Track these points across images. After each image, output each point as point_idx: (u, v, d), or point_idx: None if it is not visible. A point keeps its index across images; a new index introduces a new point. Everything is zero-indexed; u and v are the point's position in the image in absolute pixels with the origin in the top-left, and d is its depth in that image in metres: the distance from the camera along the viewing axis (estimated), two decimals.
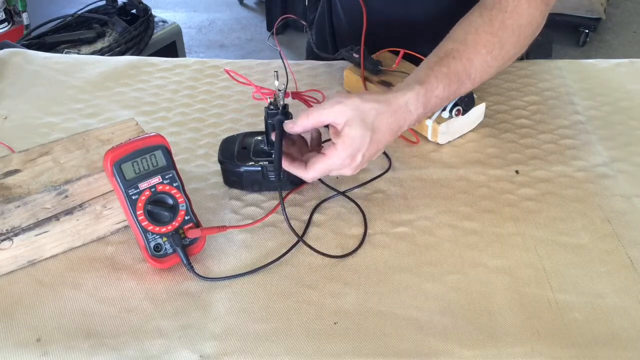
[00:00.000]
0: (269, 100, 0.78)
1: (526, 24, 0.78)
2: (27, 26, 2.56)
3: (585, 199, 0.80)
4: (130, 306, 0.67)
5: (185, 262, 0.69)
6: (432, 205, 0.79)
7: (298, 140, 0.78)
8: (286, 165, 0.74)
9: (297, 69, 1.06)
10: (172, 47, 2.29)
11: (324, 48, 1.14)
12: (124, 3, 2.26)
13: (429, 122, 0.87)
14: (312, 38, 1.19)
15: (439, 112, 0.87)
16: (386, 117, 0.72)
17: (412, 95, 0.73)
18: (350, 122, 0.70)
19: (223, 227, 0.73)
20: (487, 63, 0.77)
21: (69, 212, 0.71)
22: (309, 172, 0.73)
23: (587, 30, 3.02)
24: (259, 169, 0.79)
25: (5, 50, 1.15)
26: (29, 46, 1.92)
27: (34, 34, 2.14)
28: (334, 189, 0.82)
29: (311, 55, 1.02)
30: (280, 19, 0.93)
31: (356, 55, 0.95)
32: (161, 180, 0.69)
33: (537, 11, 0.78)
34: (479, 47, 0.76)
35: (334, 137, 0.72)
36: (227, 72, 0.82)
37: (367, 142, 0.71)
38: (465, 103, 0.87)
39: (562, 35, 3.10)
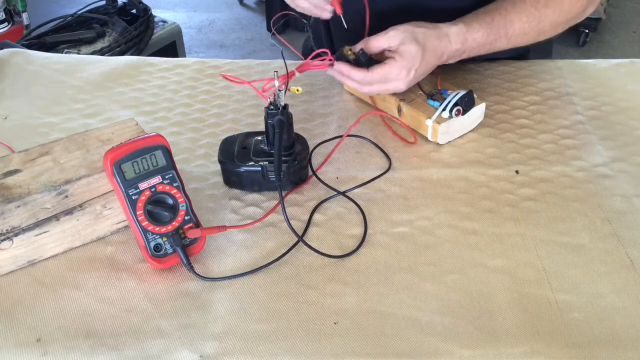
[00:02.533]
0: (269, 100, 0.78)
1: (566, 11, 0.91)
2: (27, 26, 2.56)
3: (585, 199, 0.80)
4: (130, 306, 0.67)
5: (185, 262, 0.69)
6: (432, 205, 0.79)
7: None
8: (347, 68, 0.84)
9: None
10: (172, 47, 2.29)
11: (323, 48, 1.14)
12: (124, 3, 2.26)
13: (429, 122, 0.87)
14: (311, 38, 1.19)
15: (439, 112, 0.87)
16: (432, 39, 0.84)
17: (455, 29, 0.86)
18: (404, 40, 0.82)
19: (223, 227, 0.73)
20: (524, 30, 0.89)
21: (69, 212, 0.71)
22: (370, 74, 0.83)
23: (587, 30, 3.02)
24: (259, 169, 0.79)
25: (5, 50, 1.15)
26: (29, 46, 1.92)
27: (34, 34, 2.14)
28: (334, 189, 0.82)
29: (308, 55, 1.02)
30: (279, 14, 0.92)
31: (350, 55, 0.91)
32: (161, 180, 0.69)
33: (578, 3, 0.91)
34: (522, 15, 0.88)
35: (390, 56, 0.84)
36: (225, 77, 0.82)
37: (420, 58, 0.83)
38: (465, 103, 0.87)
39: (562, 35, 3.08)
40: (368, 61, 0.84)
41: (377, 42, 0.84)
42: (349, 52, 0.85)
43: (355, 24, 0.93)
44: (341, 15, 0.87)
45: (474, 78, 1.03)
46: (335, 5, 0.86)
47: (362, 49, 0.85)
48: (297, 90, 0.83)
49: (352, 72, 0.84)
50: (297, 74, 0.82)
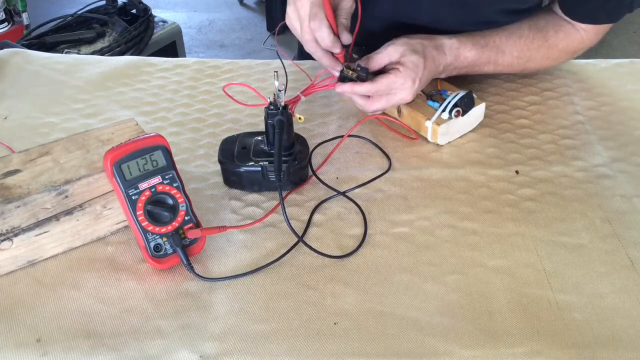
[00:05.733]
0: (269, 100, 0.78)
1: (553, 58, 0.96)
2: (27, 26, 2.56)
3: (585, 199, 0.80)
4: (130, 306, 0.67)
5: (185, 262, 0.69)
6: (432, 205, 0.79)
7: None
8: (350, 86, 0.83)
9: (297, 69, 1.06)
10: (172, 47, 2.29)
11: None
12: (124, 3, 2.25)
13: (429, 124, 0.87)
14: None
15: (439, 113, 0.87)
16: (430, 49, 0.86)
17: (448, 42, 0.88)
18: (404, 53, 0.84)
19: (223, 227, 0.73)
20: (512, 63, 0.94)
21: (69, 212, 0.71)
22: (374, 85, 0.83)
23: None
24: (259, 169, 0.79)
25: (5, 50, 1.15)
26: (29, 46, 1.92)
27: (34, 34, 2.14)
28: (334, 189, 0.82)
29: (304, 55, 1.02)
30: (280, 24, 0.93)
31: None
32: (161, 180, 0.69)
33: (564, 56, 0.97)
34: (514, 49, 0.92)
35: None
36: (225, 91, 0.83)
37: (422, 67, 0.84)
38: (464, 104, 0.87)
39: None
40: (369, 75, 0.84)
41: (378, 60, 0.85)
42: (350, 73, 0.84)
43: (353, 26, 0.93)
44: (343, 64, 0.86)
45: (474, 78, 1.03)
46: (340, 57, 0.86)
47: (359, 65, 0.84)
48: (300, 118, 0.83)
49: (356, 87, 0.83)
50: (302, 98, 0.83)
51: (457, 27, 0.94)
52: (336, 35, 0.83)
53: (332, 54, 0.85)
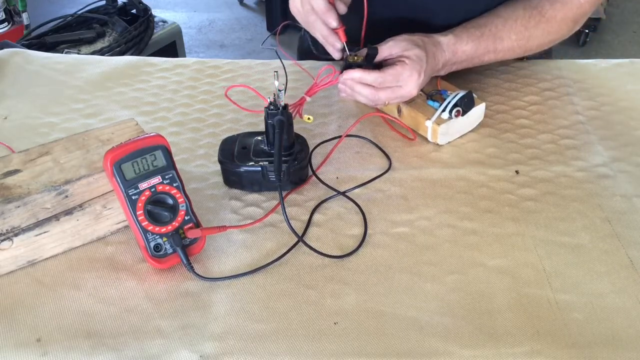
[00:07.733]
0: (269, 100, 0.78)
1: (554, 32, 0.93)
2: (27, 26, 2.56)
3: (585, 199, 0.80)
4: (130, 306, 0.67)
5: (185, 262, 0.69)
6: (432, 205, 0.79)
7: None
8: (359, 72, 0.83)
9: (298, 69, 1.06)
10: (172, 47, 2.29)
11: (323, 49, 1.13)
12: (124, 3, 2.25)
13: (429, 124, 0.87)
14: (308, 38, 1.18)
15: (439, 113, 0.87)
16: (430, 45, 0.87)
17: (445, 40, 0.89)
18: (407, 47, 0.84)
19: (223, 227, 0.73)
20: (513, 47, 0.92)
21: (69, 212, 0.71)
22: (382, 74, 0.83)
23: (587, 30, 3.02)
24: (259, 169, 0.79)
25: (5, 50, 1.15)
26: (29, 46, 1.92)
27: (34, 34, 2.14)
28: (334, 189, 0.82)
29: (304, 55, 1.02)
30: (281, 25, 0.93)
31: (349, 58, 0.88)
32: (161, 180, 0.69)
33: (565, 26, 0.94)
34: (512, 33, 0.91)
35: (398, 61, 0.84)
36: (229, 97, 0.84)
37: (425, 61, 0.84)
38: (465, 104, 0.87)
39: None
40: (376, 65, 0.84)
41: (378, 52, 0.85)
42: (355, 59, 0.84)
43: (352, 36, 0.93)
44: (345, 43, 0.86)
45: (473, 78, 1.03)
46: (340, 33, 0.86)
47: (369, 45, 0.84)
48: (309, 119, 0.83)
49: (365, 75, 0.83)
50: (307, 99, 0.83)
51: (459, 5, 0.93)
52: (332, 3, 0.84)
53: (331, 44, 0.86)
